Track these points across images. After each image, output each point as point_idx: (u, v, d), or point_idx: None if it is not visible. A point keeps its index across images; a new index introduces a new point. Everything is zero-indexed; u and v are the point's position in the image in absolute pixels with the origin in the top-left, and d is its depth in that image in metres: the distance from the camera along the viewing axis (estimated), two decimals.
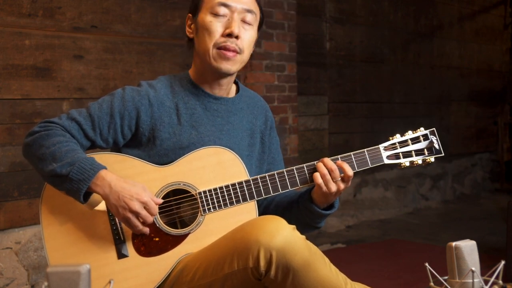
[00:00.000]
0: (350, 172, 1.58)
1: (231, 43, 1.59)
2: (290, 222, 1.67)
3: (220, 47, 1.59)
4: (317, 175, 1.57)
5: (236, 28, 1.58)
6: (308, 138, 4.73)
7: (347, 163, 1.60)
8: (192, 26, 1.67)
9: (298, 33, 4.42)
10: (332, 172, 1.56)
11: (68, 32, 3.05)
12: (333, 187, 1.57)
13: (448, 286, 1.33)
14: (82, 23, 3.10)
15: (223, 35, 1.59)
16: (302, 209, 1.66)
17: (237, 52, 1.60)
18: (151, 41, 3.41)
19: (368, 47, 5.26)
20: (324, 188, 1.57)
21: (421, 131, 1.68)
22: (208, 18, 1.60)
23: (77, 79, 3.09)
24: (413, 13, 5.72)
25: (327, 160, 1.58)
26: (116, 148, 1.64)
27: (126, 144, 1.63)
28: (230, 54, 1.59)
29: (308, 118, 4.71)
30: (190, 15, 1.69)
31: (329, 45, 4.88)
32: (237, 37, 1.59)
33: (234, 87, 1.77)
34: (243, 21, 1.61)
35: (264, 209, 1.79)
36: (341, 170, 1.57)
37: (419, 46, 5.81)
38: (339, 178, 1.57)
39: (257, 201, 1.78)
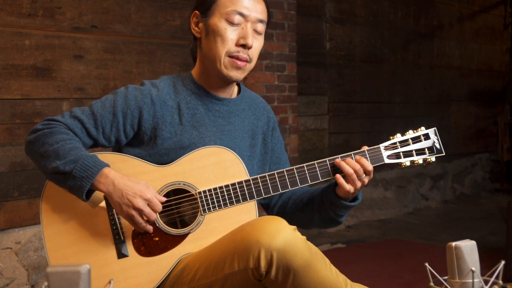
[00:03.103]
0: (369, 167, 1.59)
1: (243, 53, 1.61)
2: (310, 218, 1.72)
3: (232, 56, 1.60)
4: (340, 178, 1.59)
5: (250, 40, 1.60)
6: (308, 138, 4.73)
7: None
8: (200, 25, 1.65)
9: (298, 33, 4.42)
10: (356, 172, 1.58)
11: (68, 32, 3.05)
12: (359, 184, 1.59)
13: (448, 286, 1.33)
14: (82, 23, 3.10)
15: (236, 44, 1.60)
16: (326, 203, 1.67)
17: (247, 61, 1.63)
18: (151, 41, 3.41)
19: (368, 47, 5.26)
20: (351, 187, 1.59)
21: (422, 131, 1.67)
22: (223, 25, 1.59)
23: (77, 79, 3.09)
24: (413, 13, 5.72)
25: (350, 161, 1.59)
26: (118, 147, 1.64)
27: (127, 143, 1.63)
28: (241, 63, 1.61)
29: (308, 118, 4.71)
30: (197, 12, 1.65)
31: (329, 45, 4.88)
32: (249, 48, 1.61)
33: (235, 88, 1.77)
34: (255, 30, 1.62)
35: (280, 207, 1.80)
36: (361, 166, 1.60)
37: (419, 46, 5.81)
38: (364, 175, 1.59)
39: (271, 200, 1.79)
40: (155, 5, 3.42)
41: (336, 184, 1.65)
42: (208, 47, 1.62)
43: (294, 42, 4.28)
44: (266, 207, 1.83)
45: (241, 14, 1.59)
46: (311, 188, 1.78)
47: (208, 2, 1.62)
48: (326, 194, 1.68)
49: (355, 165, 1.58)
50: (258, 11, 1.62)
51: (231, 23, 1.59)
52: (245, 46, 1.60)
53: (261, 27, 1.63)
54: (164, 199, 1.53)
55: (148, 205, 1.48)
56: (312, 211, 1.72)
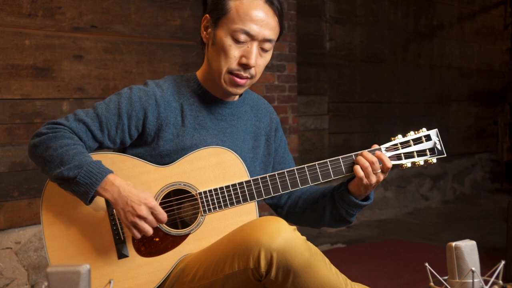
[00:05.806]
0: (389, 163, 1.59)
1: (244, 72, 1.58)
2: (321, 217, 1.70)
3: (232, 73, 1.58)
4: (358, 167, 1.58)
5: (253, 61, 1.56)
6: (308, 138, 4.73)
7: (349, 163, 1.61)
8: (209, 31, 1.62)
9: (298, 33, 4.42)
10: (372, 165, 1.57)
11: (68, 32, 3.05)
12: (374, 179, 1.58)
13: (448, 286, 1.33)
14: (82, 23, 3.10)
15: (239, 63, 1.57)
16: (338, 201, 1.67)
17: (249, 78, 1.60)
18: (151, 41, 3.41)
19: (368, 47, 5.25)
20: (365, 180, 1.58)
21: (423, 132, 1.66)
22: (228, 41, 1.56)
23: (77, 79, 3.09)
24: (413, 13, 5.72)
25: (367, 153, 1.59)
26: (122, 147, 1.64)
27: (130, 144, 1.63)
28: (241, 81, 1.59)
29: (308, 118, 4.71)
30: (208, 17, 1.62)
31: (329, 45, 4.88)
32: (251, 67, 1.58)
33: None
34: (261, 48, 1.59)
35: (290, 207, 1.79)
36: (380, 161, 1.59)
37: (419, 46, 5.81)
38: (379, 170, 1.58)
39: (280, 200, 1.79)
40: (155, 5, 3.42)
41: (348, 181, 1.65)
42: (212, 57, 1.61)
43: (294, 42, 4.28)
44: (275, 207, 1.82)
45: (248, 34, 1.55)
46: (321, 187, 1.77)
47: (219, 12, 1.58)
48: (338, 192, 1.67)
49: (371, 158, 1.57)
50: (267, 29, 1.57)
51: (236, 40, 1.55)
52: (246, 66, 1.57)
53: (268, 46, 1.59)
54: (165, 215, 1.50)
55: (152, 213, 1.47)
56: (324, 209, 1.70)
